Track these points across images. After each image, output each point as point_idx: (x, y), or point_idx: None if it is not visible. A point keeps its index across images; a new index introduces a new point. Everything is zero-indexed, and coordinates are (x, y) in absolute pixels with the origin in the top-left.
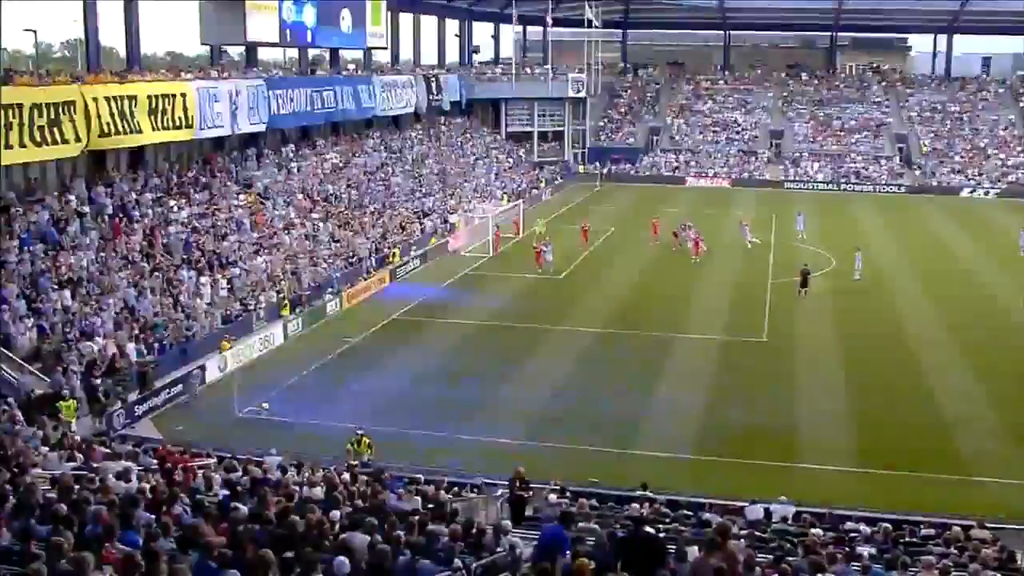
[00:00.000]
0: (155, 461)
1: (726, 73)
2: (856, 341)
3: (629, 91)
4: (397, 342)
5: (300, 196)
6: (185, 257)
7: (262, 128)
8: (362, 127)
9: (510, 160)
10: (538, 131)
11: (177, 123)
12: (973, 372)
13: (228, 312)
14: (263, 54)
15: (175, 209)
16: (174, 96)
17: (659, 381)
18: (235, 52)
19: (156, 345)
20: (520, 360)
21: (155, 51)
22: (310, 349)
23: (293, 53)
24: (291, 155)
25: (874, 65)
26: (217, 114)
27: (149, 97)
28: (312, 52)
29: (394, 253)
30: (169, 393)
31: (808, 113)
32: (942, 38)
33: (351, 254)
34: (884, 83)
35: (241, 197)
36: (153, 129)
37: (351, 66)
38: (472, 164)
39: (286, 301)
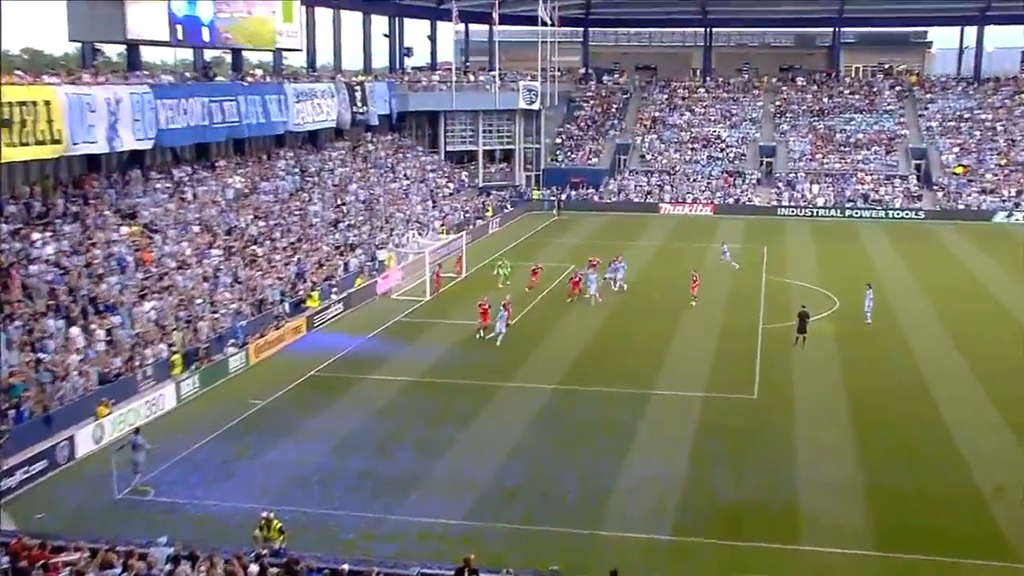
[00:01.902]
0: (5, 558)
1: (707, 79)
2: (867, 396)
3: (592, 102)
4: (315, 404)
5: (196, 228)
6: (51, 303)
7: (148, 145)
8: (272, 145)
9: (451, 185)
10: (484, 150)
11: (40, 137)
12: (1011, 432)
13: (107, 370)
14: (148, 55)
15: (38, 244)
16: (35, 104)
17: (631, 447)
18: (113, 52)
19: (12, 412)
20: (464, 423)
21: (8, 48)
22: (208, 414)
23: (186, 54)
24: (185, 179)
25: (886, 66)
26: (91, 127)
27: (3, 105)
28: (209, 54)
29: (312, 297)
30: (28, 472)
31: (806, 125)
32: (970, 31)
33: (259, 298)
34: (898, 88)
35: (123, 230)
36: (9, 144)
37: (257, 71)
38: (405, 190)
39: (179, 356)
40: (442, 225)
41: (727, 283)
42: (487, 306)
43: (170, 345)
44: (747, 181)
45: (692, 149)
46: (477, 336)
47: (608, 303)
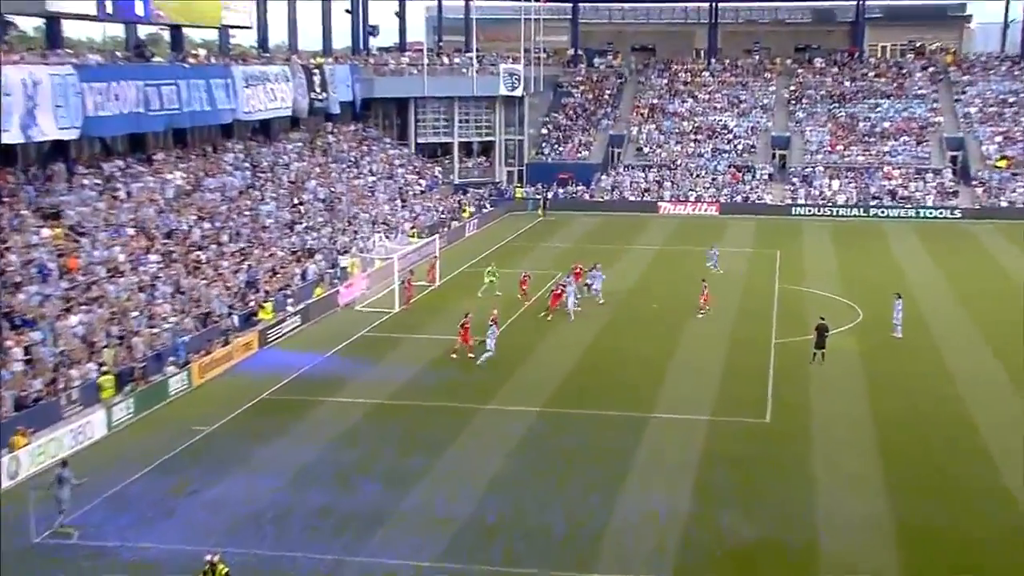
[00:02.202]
0: None
1: (712, 61)
2: (896, 421)
3: (582, 88)
4: (269, 430)
5: (131, 231)
6: None
7: (73, 135)
8: (218, 136)
9: (422, 182)
10: (460, 142)
11: None
12: None
13: (24, 393)
14: (71, 30)
15: None
16: None
17: (627, 478)
18: (28, 26)
19: None
20: (438, 451)
21: None
22: (145, 443)
23: (117, 31)
24: (117, 174)
25: (917, 44)
26: (5, 114)
27: None
28: (144, 30)
29: (264, 308)
30: None
31: (824, 113)
32: (1016, 3)
33: (204, 311)
34: (931, 69)
35: (44, 232)
36: None
37: (201, 51)
38: (371, 187)
39: (110, 377)
40: (413, 227)
41: (735, 292)
42: (468, 325)
43: (100, 365)
44: (757, 177)
45: (695, 141)
46: (452, 356)
47: (601, 315)
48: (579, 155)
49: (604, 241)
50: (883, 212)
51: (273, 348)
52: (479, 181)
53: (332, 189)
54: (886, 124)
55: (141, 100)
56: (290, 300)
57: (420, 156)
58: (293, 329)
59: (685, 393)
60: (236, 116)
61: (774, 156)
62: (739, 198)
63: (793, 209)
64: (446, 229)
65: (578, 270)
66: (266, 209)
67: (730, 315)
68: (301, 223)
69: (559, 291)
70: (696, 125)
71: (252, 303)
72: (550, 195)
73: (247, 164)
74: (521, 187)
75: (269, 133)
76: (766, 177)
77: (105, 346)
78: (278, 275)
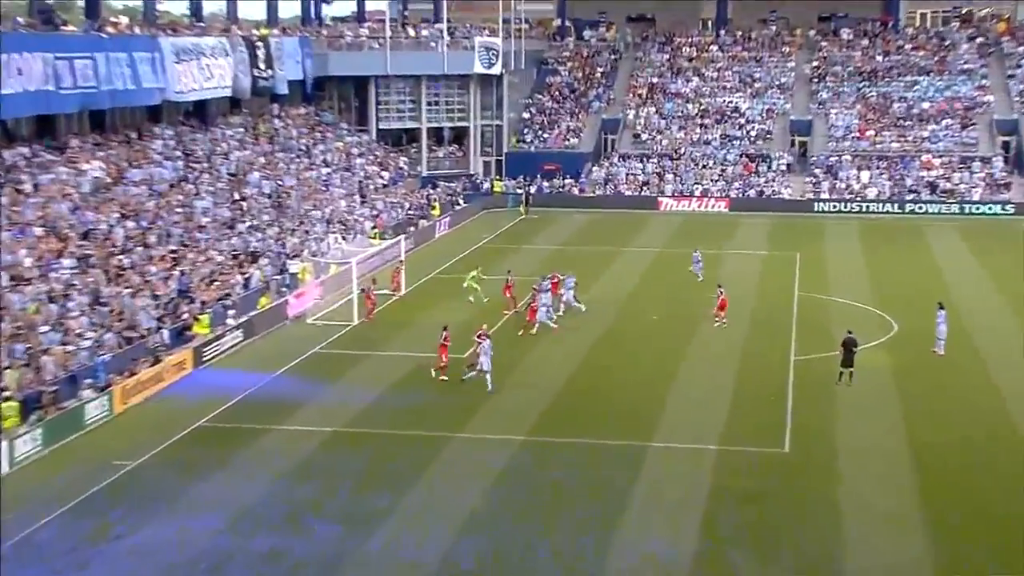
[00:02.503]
0: None
1: (721, 33)
2: (937, 452)
3: (569, 64)
4: (205, 464)
5: (38, 231)
6: None
7: None
8: (144, 120)
9: (385, 174)
10: (428, 128)
11: None
12: None
13: None
14: None
15: None
16: None
17: (623, 517)
18: None
19: None
20: (404, 487)
21: None
22: (56, 481)
23: None
24: (21, 163)
25: (963, 11)
26: None
27: None
28: None
29: (200, 322)
30: None
31: (853, 93)
32: None
33: (128, 325)
34: (980, 40)
35: None
36: None
37: (122, 19)
38: (325, 180)
39: (14, 403)
40: (374, 227)
41: (748, 301)
42: (448, 340)
43: (2, 390)
44: (774, 168)
45: (702, 126)
46: (434, 375)
47: (592, 328)
48: (567, 143)
49: (596, 242)
50: (921, 208)
51: (210, 368)
52: (451, 173)
53: (279, 182)
54: (925, 105)
55: (50, 76)
56: (230, 312)
57: (382, 144)
58: (234, 345)
59: (690, 419)
60: (165, 96)
61: (793, 143)
62: (752, 192)
63: (815, 205)
64: (413, 229)
65: (555, 279)
66: (202, 206)
67: (742, 328)
68: (243, 222)
69: (536, 303)
70: (702, 108)
71: (185, 316)
72: (533, 189)
73: (179, 153)
74: (500, 180)
75: (205, 117)
76: (784, 168)
77: (7, 367)
78: (216, 283)
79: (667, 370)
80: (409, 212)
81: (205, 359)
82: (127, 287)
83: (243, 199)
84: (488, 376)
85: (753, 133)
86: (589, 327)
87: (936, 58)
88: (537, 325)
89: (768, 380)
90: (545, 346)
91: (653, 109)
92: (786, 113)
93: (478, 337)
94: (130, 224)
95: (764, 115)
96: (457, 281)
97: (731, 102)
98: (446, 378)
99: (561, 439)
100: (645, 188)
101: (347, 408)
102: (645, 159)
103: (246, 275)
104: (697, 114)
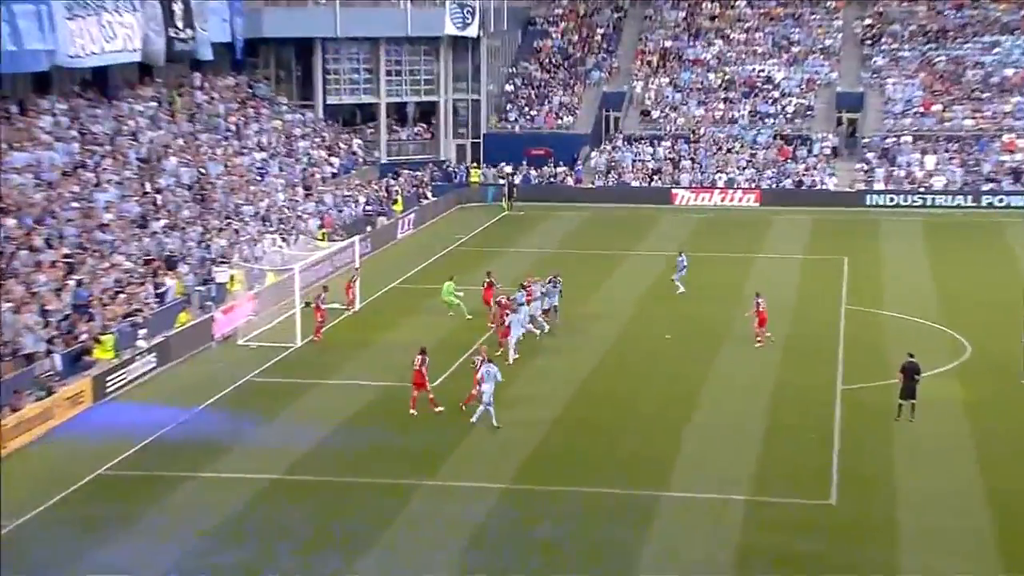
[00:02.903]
0: None
1: None
2: (1021, 502)
3: (562, 25)
4: (108, 521)
5: None
6: None
7: None
8: (28, 90)
9: (335, 161)
10: (389, 103)
11: None
12: None
13: None
14: None
15: None
16: None
17: None
18: None
19: None
20: (360, 547)
21: None
22: None
23: None
24: None
25: None
26: None
27: None
28: None
29: (102, 344)
30: None
31: (915, 58)
32: None
33: (11, 348)
34: None
35: None
36: None
37: None
38: (260, 168)
39: None
40: (321, 227)
41: (783, 317)
42: (425, 365)
43: None
44: (816, 151)
45: (726, 101)
46: (434, 409)
47: (590, 349)
48: (559, 122)
49: (595, 244)
50: (1001, 201)
51: (115, 401)
52: (417, 159)
53: (202, 170)
54: (1008, 72)
55: None
56: (141, 332)
57: (331, 124)
58: (145, 373)
59: (713, 462)
60: (55, 61)
61: (840, 122)
62: (788, 183)
63: (868, 198)
64: (370, 229)
65: (530, 289)
66: (104, 199)
67: (776, 350)
68: (157, 220)
69: (505, 319)
70: (727, 78)
71: (84, 336)
72: (518, 179)
73: (74, 133)
74: (477, 168)
75: (107, 88)
76: (828, 152)
77: None
78: (123, 296)
79: (684, 401)
80: (365, 208)
81: (108, 390)
82: (7, 301)
83: (157, 191)
84: (491, 410)
85: (790, 109)
86: (588, 348)
87: (1023, 13)
88: (513, 352)
89: (810, 414)
90: (533, 371)
91: (666, 80)
92: (831, 84)
93: (482, 361)
94: (10, 222)
95: (804, 87)
96: (424, 292)
97: (763, 71)
98: (441, 408)
99: (553, 487)
100: (656, 178)
101: (288, 451)
102: (656, 142)
103: (161, 286)
104: (721, 86)
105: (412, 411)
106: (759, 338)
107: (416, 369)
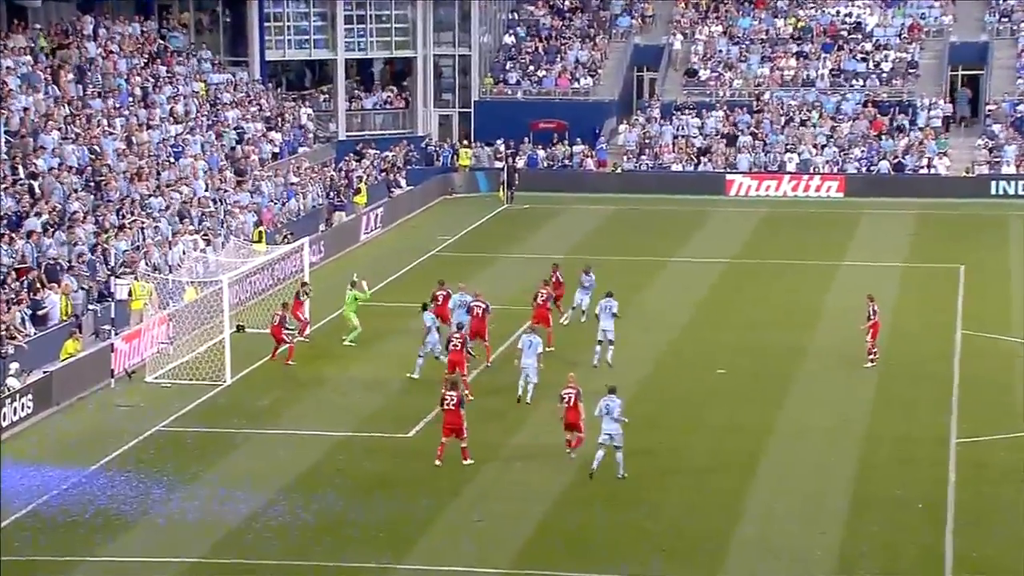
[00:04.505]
0: None
1: None
2: None
3: None
4: None
5: None
6: None
7: None
8: None
9: (276, 136)
10: (348, 60)
11: None
12: None
13: None
14: None
15: None
16: None
17: None
18: None
19: None
20: None
21: None
22: None
23: None
24: None
25: None
26: None
27: None
28: None
29: None
30: None
31: None
32: None
33: None
34: None
35: None
36: None
37: None
38: (174, 146)
39: None
40: (258, 225)
41: (878, 345)
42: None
43: None
44: (922, 123)
45: (800, 56)
46: (464, 461)
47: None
48: (576, 85)
49: (621, 249)
50: None
51: None
52: (386, 135)
53: (96, 149)
54: None
55: None
56: (12, 366)
57: (272, 87)
58: (19, 421)
59: (781, 544)
60: None
61: (956, 84)
62: (884, 166)
63: (993, 185)
64: (324, 228)
65: (478, 306)
66: None
67: (866, 388)
68: (34, 216)
69: (460, 346)
70: (800, 25)
71: None
72: (521, 163)
73: None
74: (467, 147)
75: None
76: (938, 124)
77: None
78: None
79: (743, 460)
80: (318, 200)
81: None
82: None
83: (33, 176)
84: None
85: (886, 67)
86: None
87: None
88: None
89: (913, 478)
90: (548, 414)
91: (719, 28)
92: (942, 32)
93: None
94: None
95: (905, 36)
96: (397, 313)
97: (849, 15)
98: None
99: (562, 573)
100: (705, 160)
101: (212, 525)
102: (705, 112)
103: (40, 305)
104: (791, 36)
105: (438, 463)
106: (872, 355)
107: (448, 409)
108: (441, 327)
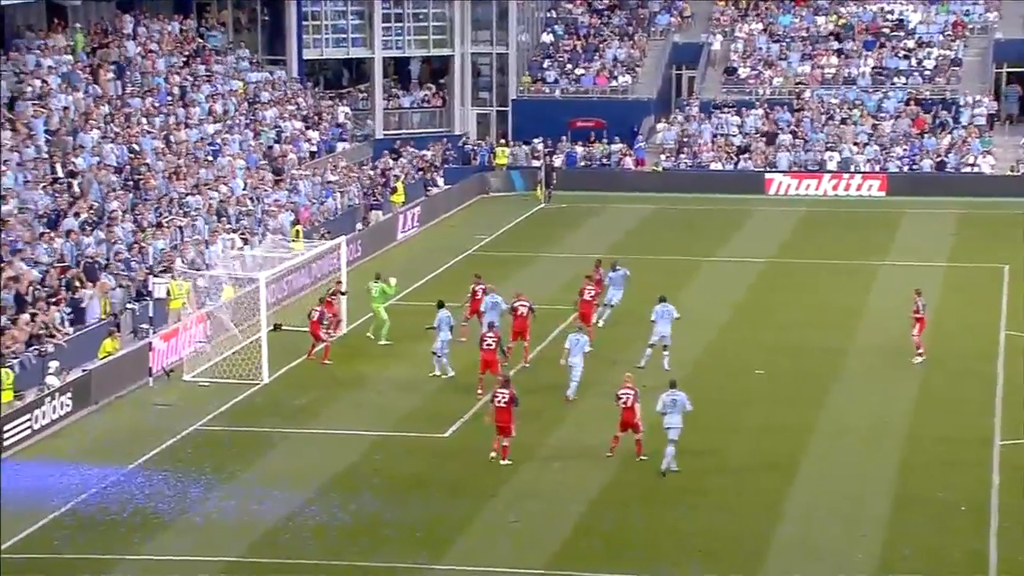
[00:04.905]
0: None
1: None
2: None
3: None
4: None
5: None
6: None
7: None
8: None
9: (314, 135)
10: (386, 58)
11: None
12: None
13: None
14: None
15: None
16: None
17: None
18: None
19: None
20: None
21: None
22: None
23: None
24: None
25: None
26: None
27: None
28: None
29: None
30: None
31: None
32: None
33: None
34: None
35: None
36: None
37: None
38: (213, 143)
39: None
40: (295, 224)
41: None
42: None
43: None
44: (966, 121)
45: (841, 54)
46: (501, 460)
47: (657, 389)
48: (614, 83)
49: (659, 248)
50: None
51: (14, 460)
52: (424, 135)
53: (134, 148)
54: None
55: None
56: (51, 365)
57: (309, 86)
58: (58, 420)
59: (821, 545)
60: None
61: (1002, 81)
62: (927, 164)
63: None
64: (361, 227)
65: (523, 306)
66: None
67: (907, 389)
68: (74, 215)
69: (494, 345)
70: (842, 23)
71: None
72: (559, 161)
73: None
74: (504, 146)
75: (2, 35)
76: (983, 122)
77: None
78: (25, 316)
79: (783, 461)
80: (354, 199)
81: (6, 444)
82: None
83: (72, 175)
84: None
85: (929, 64)
86: (653, 384)
87: None
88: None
89: (955, 478)
90: (585, 412)
91: (759, 26)
92: (988, 29)
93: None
94: None
95: (949, 33)
96: (432, 312)
97: (891, 12)
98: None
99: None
100: (745, 158)
101: (248, 524)
102: (745, 110)
103: (79, 303)
104: (831, 33)
105: (493, 454)
106: (919, 352)
107: (499, 406)
108: (471, 320)
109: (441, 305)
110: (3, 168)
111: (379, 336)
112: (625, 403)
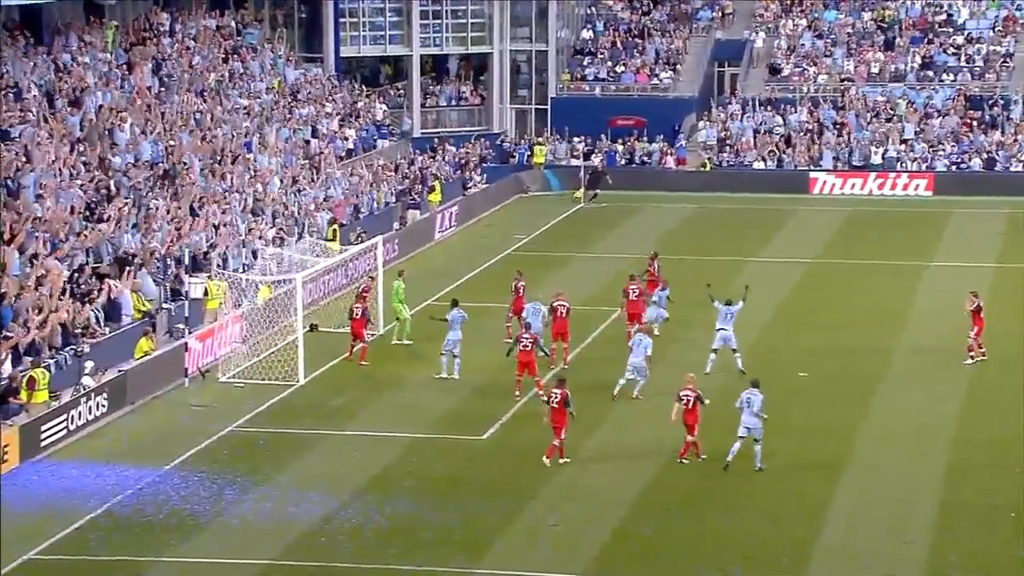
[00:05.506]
0: None
1: None
2: None
3: None
4: None
5: None
6: None
7: None
8: None
9: (350, 133)
10: (424, 56)
11: None
12: None
13: None
14: None
15: None
16: None
17: None
18: None
19: None
20: None
21: None
22: None
23: None
24: None
25: None
26: None
27: None
28: None
29: (33, 382)
30: None
31: None
32: None
33: None
34: None
35: None
36: None
37: None
38: (248, 140)
39: None
40: (332, 223)
41: (963, 352)
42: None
43: None
44: (1018, 118)
45: (886, 51)
46: (560, 459)
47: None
48: (656, 81)
49: (701, 249)
50: None
51: (50, 459)
52: (461, 132)
53: (170, 143)
54: None
55: None
56: (87, 365)
57: (346, 83)
58: (93, 420)
59: (865, 552)
60: None
61: None
62: (976, 162)
63: None
64: (398, 226)
65: (562, 305)
66: (33, 182)
67: (956, 391)
68: (106, 210)
69: (530, 347)
70: (888, 19)
71: (4, 371)
72: (599, 160)
73: None
74: (543, 144)
75: (38, 28)
76: None
77: None
78: (59, 313)
79: (826, 465)
80: (391, 197)
81: (43, 444)
82: None
83: (107, 171)
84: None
85: (979, 60)
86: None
87: None
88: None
89: (1005, 485)
90: (626, 412)
91: (803, 23)
92: None
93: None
94: None
95: (999, 28)
96: (471, 313)
97: (940, 6)
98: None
99: None
100: (788, 157)
101: (284, 526)
102: (788, 108)
103: (114, 299)
104: (876, 29)
105: (547, 460)
106: (972, 352)
107: (553, 407)
108: (514, 321)
109: (455, 303)
110: (37, 163)
111: (402, 337)
112: (687, 404)
